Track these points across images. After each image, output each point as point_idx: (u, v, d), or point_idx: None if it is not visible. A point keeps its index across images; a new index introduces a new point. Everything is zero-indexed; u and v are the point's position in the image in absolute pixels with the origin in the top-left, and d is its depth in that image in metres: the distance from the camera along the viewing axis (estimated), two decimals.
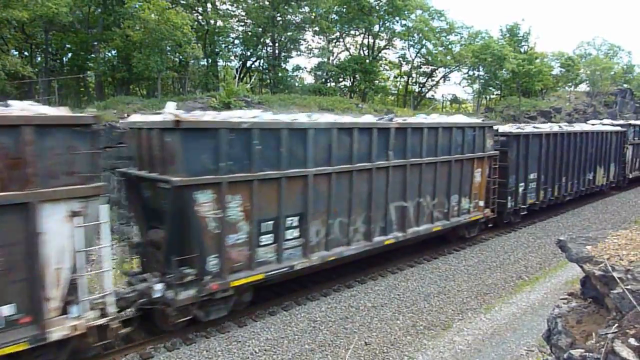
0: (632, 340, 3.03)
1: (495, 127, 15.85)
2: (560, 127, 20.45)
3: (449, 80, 45.33)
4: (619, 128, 25.16)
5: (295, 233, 9.87)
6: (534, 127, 19.72)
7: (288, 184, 9.50)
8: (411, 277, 12.22)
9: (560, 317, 4.07)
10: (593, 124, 25.91)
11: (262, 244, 9.33)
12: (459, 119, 15.24)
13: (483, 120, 15.46)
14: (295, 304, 10.42)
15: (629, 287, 3.47)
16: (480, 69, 39.83)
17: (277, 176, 9.30)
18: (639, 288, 3.42)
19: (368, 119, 13.03)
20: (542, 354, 7.17)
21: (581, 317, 3.99)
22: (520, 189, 17.25)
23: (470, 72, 41.89)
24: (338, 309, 10.24)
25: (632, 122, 27.57)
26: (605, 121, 27.80)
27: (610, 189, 25.29)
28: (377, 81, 39.15)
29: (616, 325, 3.40)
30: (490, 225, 16.17)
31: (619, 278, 3.60)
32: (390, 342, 8.92)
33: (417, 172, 12.45)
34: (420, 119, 14.32)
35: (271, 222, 9.39)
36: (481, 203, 14.95)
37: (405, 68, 43.09)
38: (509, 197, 16.71)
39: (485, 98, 46.79)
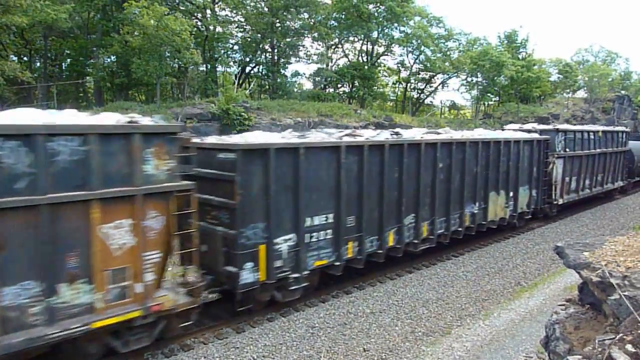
0: (629, 347, 3.03)
1: (181, 134, 8.22)
2: (396, 133, 13.12)
3: (448, 86, 45.72)
4: (535, 136, 17.89)
5: None
6: (347, 134, 12.30)
7: None
8: (410, 283, 12.21)
9: (558, 323, 4.08)
10: (503, 129, 20.55)
11: None
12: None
13: (132, 122, 7.59)
14: (294, 310, 10.40)
15: (626, 293, 3.48)
16: (479, 75, 40.10)
17: None
18: (636, 294, 3.43)
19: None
20: None
21: (579, 324, 3.99)
22: (284, 247, 9.70)
23: (469, 79, 42.19)
24: (336, 315, 10.22)
25: (561, 127, 20.49)
26: (526, 126, 20.97)
27: (527, 221, 18.17)
28: (375, 87, 39.38)
29: (614, 331, 3.41)
30: (188, 322, 8.50)
31: (616, 284, 3.60)
32: (389, 349, 8.90)
33: None
34: None
35: None
36: (139, 288, 7.59)
37: (403, 74, 43.43)
38: (249, 264, 9.17)
39: (484, 104, 47.08)
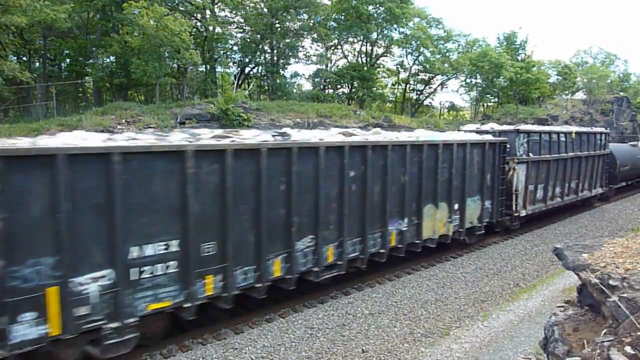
0: (628, 349, 3.03)
1: None
2: (282, 134, 10.53)
3: (447, 87, 45.85)
4: (488, 138, 15.34)
5: None
6: (215, 136, 9.61)
7: None
8: (408, 284, 12.21)
9: (557, 324, 4.07)
10: (459, 129, 18.34)
11: None
12: None
13: None
14: (292, 311, 10.39)
15: (624, 295, 3.48)
16: (478, 76, 40.16)
17: None
18: (634, 296, 3.43)
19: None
20: None
21: (578, 325, 3.99)
22: (93, 288, 7.08)
23: (468, 80, 42.22)
24: (335, 316, 10.22)
25: (522, 127, 17.71)
26: (485, 126, 18.44)
27: (479, 238, 15.63)
28: (374, 88, 39.43)
29: (613, 333, 3.41)
30: None
31: (615, 286, 3.61)
32: (388, 350, 8.89)
33: None
34: None
35: None
36: None
37: (403, 75, 43.46)
38: (28, 315, 6.51)
39: (483, 105, 47.15)
